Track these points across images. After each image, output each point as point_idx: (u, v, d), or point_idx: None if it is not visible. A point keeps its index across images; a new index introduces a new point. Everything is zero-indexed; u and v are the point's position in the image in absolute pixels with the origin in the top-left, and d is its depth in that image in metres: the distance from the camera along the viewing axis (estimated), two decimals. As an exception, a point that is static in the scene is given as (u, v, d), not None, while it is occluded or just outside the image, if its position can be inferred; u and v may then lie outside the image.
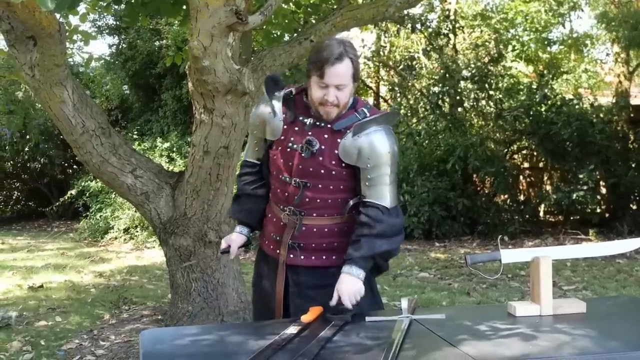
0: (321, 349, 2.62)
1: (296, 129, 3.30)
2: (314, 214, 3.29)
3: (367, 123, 3.23)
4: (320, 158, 3.23)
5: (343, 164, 3.24)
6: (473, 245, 11.29)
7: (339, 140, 3.25)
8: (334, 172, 3.24)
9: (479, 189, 12.78)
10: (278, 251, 3.36)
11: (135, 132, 15.66)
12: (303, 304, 3.26)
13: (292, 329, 2.86)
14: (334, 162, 3.24)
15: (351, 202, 3.28)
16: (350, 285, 3.15)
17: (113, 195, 13.24)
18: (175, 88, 15.10)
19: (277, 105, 3.36)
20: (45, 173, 16.90)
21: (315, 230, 3.31)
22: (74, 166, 17.16)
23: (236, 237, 3.52)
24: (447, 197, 11.83)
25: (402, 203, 11.69)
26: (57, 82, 5.20)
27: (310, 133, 3.26)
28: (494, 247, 10.69)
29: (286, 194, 3.32)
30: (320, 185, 3.25)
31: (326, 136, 3.25)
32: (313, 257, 3.32)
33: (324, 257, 3.32)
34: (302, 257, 3.32)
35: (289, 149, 3.29)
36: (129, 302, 7.65)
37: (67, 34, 5.44)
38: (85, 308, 7.45)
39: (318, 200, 3.27)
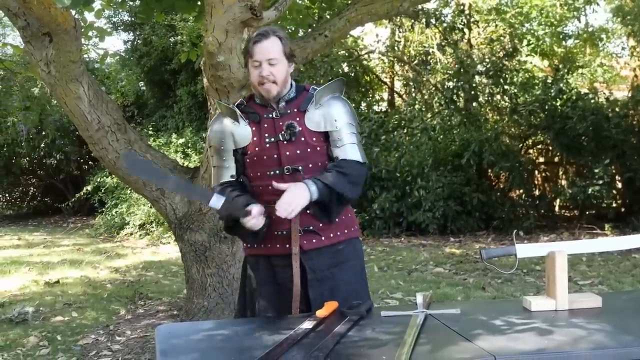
0: (336, 344, 2.62)
1: (265, 125, 3.38)
2: None
3: (325, 91, 3.41)
4: (303, 138, 3.34)
5: (322, 138, 3.37)
6: (488, 240, 11.26)
7: None
8: (319, 149, 3.36)
9: (494, 183, 12.75)
10: (287, 245, 3.36)
11: (151, 128, 15.72)
12: (321, 286, 3.34)
13: (307, 324, 2.86)
14: (314, 139, 3.36)
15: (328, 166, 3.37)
16: (297, 196, 3.19)
17: (128, 191, 13.30)
18: (190, 84, 15.14)
19: (236, 113, 3.44)
20: (61, 169, 17.01)
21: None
22: (90, 162, 17.27)
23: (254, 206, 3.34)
24: (462, 192, 11.81)
25: (417, 198, 11.69)
26: (72, 78, 5.22)
27: (281, 123, 3.36)
28: (509, 242, 10.66)
29: None
30: (311, 165, 3.33)
31: (298, 119, 3.37)
32: (323, 237, 3.37)
33: (331, 234, 3.39)
34: (314, 240, 3.36)
35: (268, 144, 3.36)
36: (144, 298, 7.68)
37: (82, 30, 5.45)
38: (101, 303, 7.49)
39: None
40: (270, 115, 3.39)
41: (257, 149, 3.38)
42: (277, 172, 3.34)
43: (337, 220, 3.40)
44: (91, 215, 15.95)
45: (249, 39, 3.41)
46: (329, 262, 3.40)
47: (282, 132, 3.33)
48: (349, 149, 3.37)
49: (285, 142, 3.33)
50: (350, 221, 3.50)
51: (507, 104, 13.02)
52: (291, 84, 3.45)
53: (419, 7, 12.32)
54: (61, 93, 5.33)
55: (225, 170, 3.50)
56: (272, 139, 3.35)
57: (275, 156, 3.34)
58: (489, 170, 12.45)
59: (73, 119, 5.62)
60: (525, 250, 3.27)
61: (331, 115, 3.37)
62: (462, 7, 14.21)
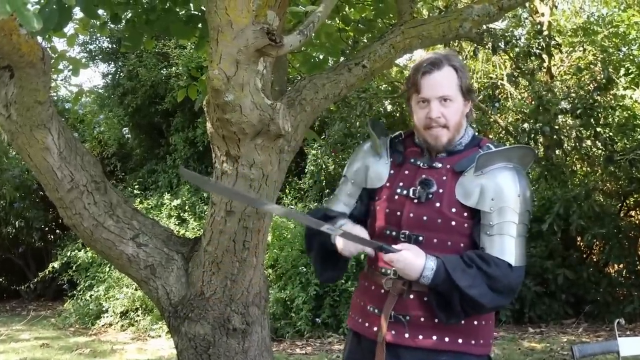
0: None
1: (406, 172, 3.40)
2: None
3: (495, 156, 3.33)
4: (438, 204, 3.31)
5: (465, 213, 3.30)
6: (579, 330, 11.14)
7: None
8: (453, 223, 3.30)
9: (585, 256, 12.65)
10: (375, 328, 3.35)
11: (137, 186, 15.79)
12: None
13: None
14: (454, 210, 3.31)
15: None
16: (414, 259, 3.17)
17: (108, 269, 13.32)
18: (187, 129, 15.26)
19: (383, 147, 3.48)
20: (20, 240, 17.04)
21: (426, 299, 3.31)
22: (57, 231, 17.31)
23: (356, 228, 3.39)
24: (544, 268, 11.71)
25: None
26: (39, 123, 5.25)
27: (424, 176, 3.34)
28: (607, 334, 10.55)
29: None
30: (435, 240, 3.29)
31: (445, 178, 3.34)
32: (421, 336, 3.31)
33: (434, 336, 3.31)
34: (407, 335, 3.31)
35: (397, 196, 3.37)
36: (129, 409, 7.66)
37: (51, 62, 5.51)
38: (73, 416, 7.47)
39: None
40: (418, 162, 3.40)
41: (384, 197, 3.40)
42: (394, 233, 3.34)
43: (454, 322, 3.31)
44: (59, 299, 15.97)
45: (416, 68, 3.39)
46: None
47: (415, 187, 3.33)
48: (502, 244, 3.28)
49: (415, 201, 3.32)
50: (471, 329, 3.38)
51: (600, 151, 12.97)
52: (466, 130, 3.44)
53: (484, 27, 12.36)
54: (24, 142, 5.37)
55: (340, 206, 3.56)
56: (404, 192, 3.36)
57: (399, 214, 3.34)
58: (579, 239, 12.36)
59: (39, 176, 5.64)
60: (631, 345, 3.23)
61: (490, 191, 3.29)
62: (539, 26, 14.25)
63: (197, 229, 12.83)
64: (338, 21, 7.61)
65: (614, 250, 11.87)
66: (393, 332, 3.30)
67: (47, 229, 17.48)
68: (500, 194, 3.28)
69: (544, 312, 11.71)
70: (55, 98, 15.49)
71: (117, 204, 5.81)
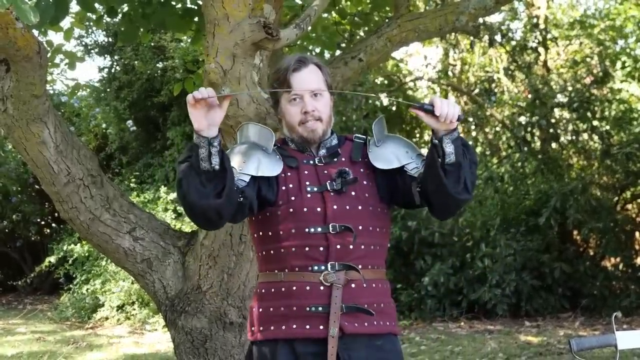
0: None
1: (306, 172, 3.43)
2: (360, 266, 3.34)
3: (378, 127, 3.57)
4: (353, 192, 3.39)
5: (378, 196, 3.44)
6: (575, 324, 11.13)
7: (361, 170, 3.46)
8: (371, 208, 3.41)
9: (581, 250, 12.63)
10: (322, 327, 3.32)
11: (133, 180, 15.70)
12: None
13: None
14: (367, 194, 3.41)
15: None
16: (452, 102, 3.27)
17: (104, 262, 13.29)
18: (184, 123, 15.17)
19: (270, 139, 3.49)
20: (16, 234, 16.98)
21: (365, 286, 3.36)
22: (53, 225, 17.23)
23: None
24: (540, 262, 11.70)
25: (481, 270, 11.59)
26: (35, 117, 5.25)
27: (325, 172, 3.41)
28: (604, 328, 10.55)
29: (321, 247, 3.34)
30: (360, 227, 3.35)
31: (348, 169, 3.42)
32: (366, 324, 3.35)
33: (374, 322, 3.37)
34: (356, 324, 3.33)
35: (309, 195, 3.38)
36: (125, 402, 7.65)
37: (48, 55, 5.50)
38: (69, 410, 7.46)
39: (362, 247, 3.37)
40: (311, 162, 3.45)
41: (293, 198, 3.38)
42: (320, 229, 3.34)
43: (382, 304, 3.40)
44: (55, 293, 15.91)
45: (283, 68, 3.48)
46: (367, 358, 3.36)
47: (331, 181, 3.38)
48: None
49: (332, 194, 3.37)
50: (392, 310, 3.51)
51: (597, 144, 12.96)
52: (331, 130, 3.53)
53: (480, 21, 12.35)
54: (20, 136, 5.36)
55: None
56: (315, 189, 3.38)
57: (319, 210, 3.35)
58: (575, 233, 12.35)
59: (35, 170, 5.63)
60: (629, 339, 3.23)
61: (400, 148, 3.50)
62: (535, 20, 14.24)
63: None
64: (334, 14, 7.61)
65: (611, 243, 11.87)
66: (346, 323, 3.30)
67: (43, 222, 17.40)
68: (407, 145, 3.52)
69: (540, 305, 11.69)
70: (52, 92, 15.44)
71: (114, 197, 5.81)
